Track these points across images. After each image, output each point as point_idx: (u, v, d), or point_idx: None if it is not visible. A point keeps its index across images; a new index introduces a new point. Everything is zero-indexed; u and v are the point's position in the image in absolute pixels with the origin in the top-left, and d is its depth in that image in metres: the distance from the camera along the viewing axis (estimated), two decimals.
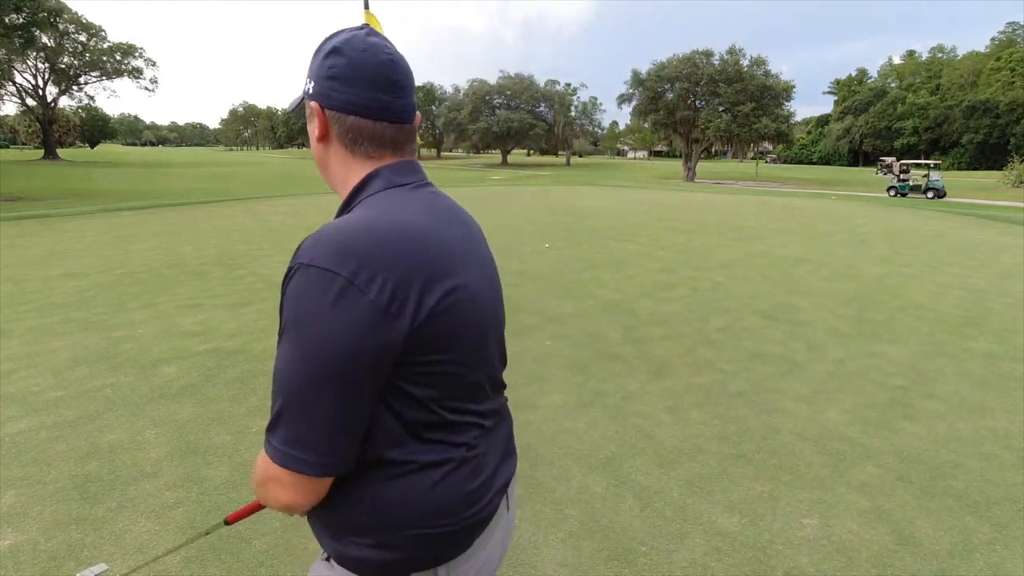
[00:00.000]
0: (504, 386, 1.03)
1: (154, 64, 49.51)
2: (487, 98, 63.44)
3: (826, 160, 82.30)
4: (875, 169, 33.64)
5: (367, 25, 0.89)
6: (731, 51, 40.42)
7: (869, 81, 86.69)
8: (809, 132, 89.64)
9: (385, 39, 0.87)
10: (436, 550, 0.86)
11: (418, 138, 0.99)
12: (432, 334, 0.77)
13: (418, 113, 0.91)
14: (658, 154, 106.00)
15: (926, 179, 24.60)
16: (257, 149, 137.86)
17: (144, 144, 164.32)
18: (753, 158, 59.64)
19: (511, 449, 1.04)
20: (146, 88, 49.15)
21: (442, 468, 0.84)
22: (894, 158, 25.03)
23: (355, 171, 0.87)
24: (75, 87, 47.28)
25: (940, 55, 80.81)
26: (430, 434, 0.83)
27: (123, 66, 47.33)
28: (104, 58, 45.82)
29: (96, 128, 66.89)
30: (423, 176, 0.91)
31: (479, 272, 0.88)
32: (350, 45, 0.83)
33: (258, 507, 1.12)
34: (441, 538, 0.86)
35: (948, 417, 3.46)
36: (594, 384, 3.90)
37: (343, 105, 0.83)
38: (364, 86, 0.82)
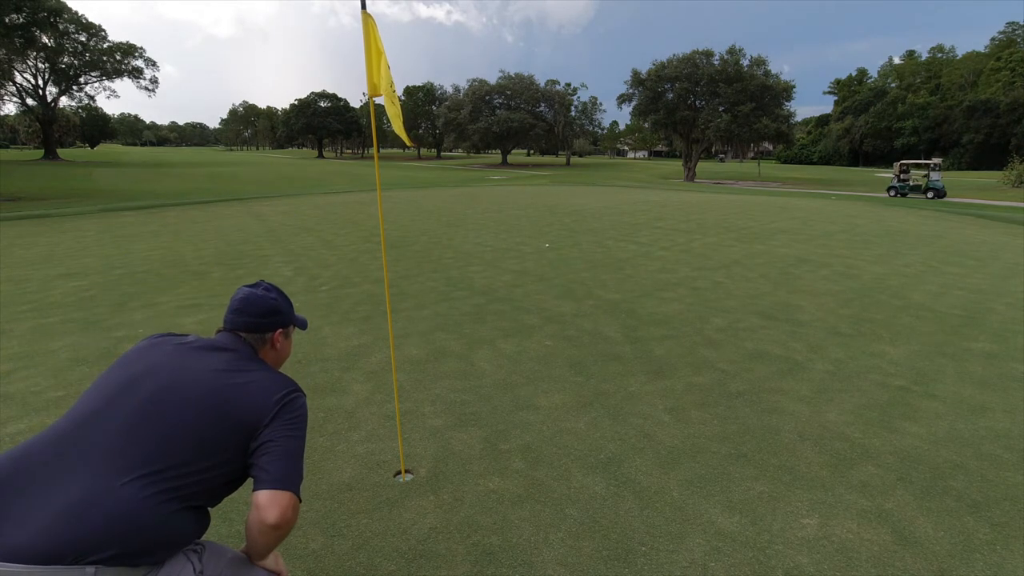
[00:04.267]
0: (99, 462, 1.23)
1: (154, 64, 49.55)
2: (487, 98, 63.41)
3: (826, 160, 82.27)
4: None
5: (261, 281, 1.64)
6: (731, 51, 40.41)
7: (869, 81, 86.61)
8: (809, 132, 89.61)
9: (257, 288, 1.58)
10: None
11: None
12: None
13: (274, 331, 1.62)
14: (658, 154, 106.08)
15: (926, 179, 24.58)
16: (257, 149, 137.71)
17: (144, 144, 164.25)
18: (753, 158, 59.62)
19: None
20: (146, 88, 49.16)
21: None
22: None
23: None
24: (75, 87, 47.26)
25: (940, 55, 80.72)
26: None
27: (123, 66, 47.33)
28: (104, 58, 45.79)
29: (96, 128, 66.93)
30: (212, 341, 1.52)
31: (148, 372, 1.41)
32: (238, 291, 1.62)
33: None
34: None
35: (948, 417, 3.46)
36: (594, 384, 3.90)
37: None
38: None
